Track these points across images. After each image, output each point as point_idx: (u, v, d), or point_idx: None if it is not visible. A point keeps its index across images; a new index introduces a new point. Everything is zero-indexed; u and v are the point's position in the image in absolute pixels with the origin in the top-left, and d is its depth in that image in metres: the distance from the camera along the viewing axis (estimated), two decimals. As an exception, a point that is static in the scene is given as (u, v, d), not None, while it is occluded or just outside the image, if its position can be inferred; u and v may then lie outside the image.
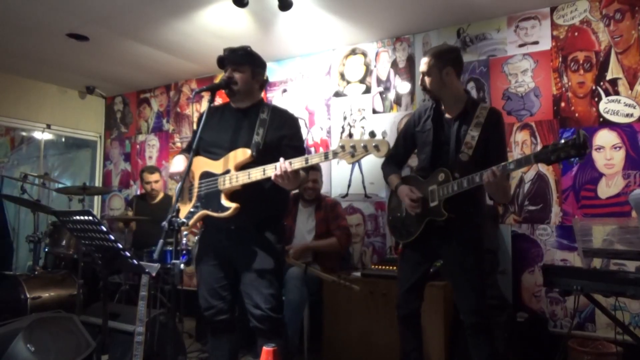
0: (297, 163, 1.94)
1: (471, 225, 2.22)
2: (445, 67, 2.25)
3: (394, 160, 2.52)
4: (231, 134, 2.20)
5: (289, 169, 1.92)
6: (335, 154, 1.85)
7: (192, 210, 2.20)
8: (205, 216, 2.16)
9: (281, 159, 1.95)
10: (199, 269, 2.29)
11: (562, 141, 1.81)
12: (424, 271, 2.35)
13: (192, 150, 2.06)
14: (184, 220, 1.93)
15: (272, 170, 1.99)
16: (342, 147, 1.82)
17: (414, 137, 2.43)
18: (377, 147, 1.77)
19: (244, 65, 2.19)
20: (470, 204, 2.21)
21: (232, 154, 2.12)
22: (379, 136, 1.79)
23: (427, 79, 2.28)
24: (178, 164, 2.26)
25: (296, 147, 2.20)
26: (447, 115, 2.32)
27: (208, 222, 2.25)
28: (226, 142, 2.18)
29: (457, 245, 2.21)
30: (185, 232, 3.44)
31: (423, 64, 2.29)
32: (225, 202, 2.09)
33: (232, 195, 2.11)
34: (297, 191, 3.59)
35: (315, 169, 3.48)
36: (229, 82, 2.17)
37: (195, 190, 2.22)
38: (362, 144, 1.79)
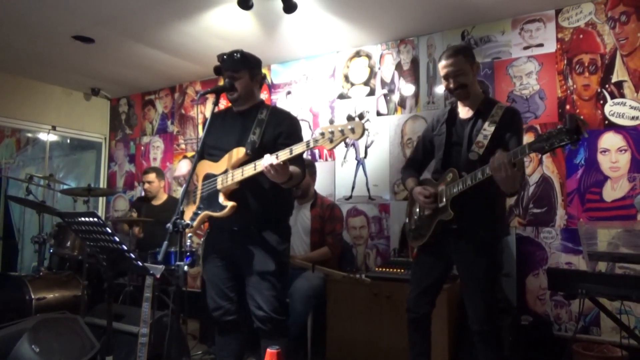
0: (282, 154, 1.94)
1: (484, 229, 2.17)
2: (474, 63, 2.26)
3: (413, 165, 2.53)
4: (229, 136, 2.23)
5: (274, 162, 1.92)
6: (315, 141, 1.87)
7: (196, 212, 2.23)
8: (207, 217, 2.19)
9: (267, 154, 1.96)
10: (205, 270, 2.31)
11: (557, 127, 1.79)
12: (437, 276, 2.32)
13: (196, 153, 2.08)
14: (189, 222, 1.94)
15: (261, 165, 1.99)
16: (322, 134, 1.84)
17: (432, 142, 2.42)
18: (352, 130, 1.77)
19: (241, 70, 2.21)
20: (483, 206, 2.16)
21: (229, 154, 2.16)
22: (356, 119, 1.79)
23: (460, 78, 2.20)
24: (183, 167, 2.30)
25: (290, 145, 2.19)
26: (461, 117, 2.31)
27: (213, 224, 2.28)
28: (226, 144, 2.21)
29: (468, 248, 2.18)
30: (189, 234, 3.44)
31: (452, 64, 2.19)
32: (223, 201, 2.12)
33: (231, 194, 2.14)
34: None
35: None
36: (232, 84, 2.20)
37: (199, 192, 2.25)
38: (339, 129, 1.80)
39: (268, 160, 1.93)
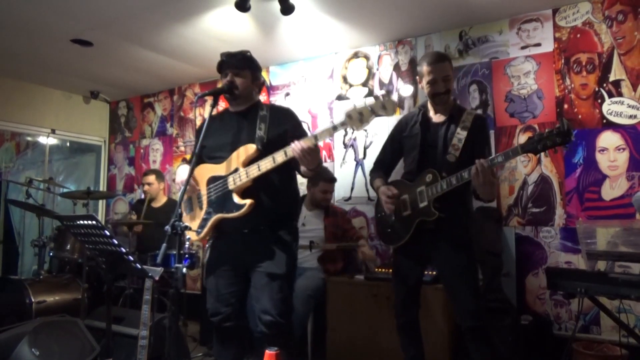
0: (308, 141, 1.94)
1: (460, 227, 2.23)
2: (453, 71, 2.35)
3: (381, 166, 2.55)
4: (232, 136, 2.21)
5: (305, 147, 1.92)
6: (343, 124, 1.86)
7: (205, 217, 2.19)
8: (220, 220, 2.15)
9: (293, 142, 1.96)
10: (209, 274, 2.28)
11: (547, 130, 1.84)
12: (417, 277, 2.35)
13: (194, 156, 2.06)
14: (187, 224, 1.93)
15: (281, 156, 1.99)
16: (349, 116, 1.82)
17: (401, 143, 2.46)
18: (383, 106, 1.75)
19: (245, 69, 2.22)
20: (459, 206, 2.23)
21: (236, 153, 2.12)
22: (385, 96, 1.77)
23: (448, 84, 2.28)
24: (183, 173, 2.28)
25: (301, 137, 2.19)
26: (434, 120, 2.35)
27: (221, 228, 2.22)
28: (228, 144, 2.19)
29: (447, 247, 2.22)
30: (188, 236, 3.45)
31: (442, 69, 2.26)
32: (238, 200, 2.08)
33: (244, 192, 2.10)
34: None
35: (332, 181, 3.65)
36: (231, 87, 2.19)
37: (205, 197, 2.21)
38: (368, 108, 1.78)
39: (300, 145, 1.92)
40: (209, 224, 2.16)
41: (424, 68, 2.29)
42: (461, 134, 2.22)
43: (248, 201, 2.05)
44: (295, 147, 1.94)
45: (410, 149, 2.38)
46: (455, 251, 2.20)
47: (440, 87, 2.26)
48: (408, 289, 2.34)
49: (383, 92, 1.81)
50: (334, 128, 1.89)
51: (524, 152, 1.93)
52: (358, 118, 1.80)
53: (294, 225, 2.30)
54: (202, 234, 2.19)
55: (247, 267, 2.18)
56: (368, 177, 2.62)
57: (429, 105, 2.39)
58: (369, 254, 3.34)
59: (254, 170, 2.05)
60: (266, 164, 2.03)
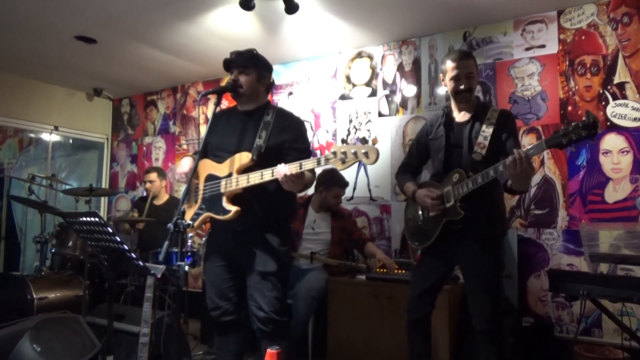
0: (293, 167, 1.95)
1: (487, 226, 2.19)
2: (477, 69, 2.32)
3: (408, 169, 2.54)
4: (236, 137, 2.21)
5: (287, 173, 1.94)
6: (327, 160, 1.86)
7: (197, 212, 2.23)
8: (209, 218, 2.19)
9: (279, 165, 1.97)
10: (206, 269, 2.32)
11: (573, 124, 1.80)
12: (438, 277, 2.33)
13: (198, 152, 2.10)
14: (190, 222, 1.94)
15: (269, 174, 2.01)
16: (334, 153, 1.83)
17: (427, 145, 2.44)
18: (366, 154, 1.77)
19: (250, 68, 2.21)
20: (487, 205, 2.18)
21: (236, 157, 2.14)
22: (370, 143, 1.80)
23: (472, 81, 2.26)
24: (185, 164, 2.30)
25: (300, 149, 2.19)
26: (457, 120, 2.33)
27: (215, 224, 2.28)
28: (231, 145, 2.20)
29: (473, 246, 2.19)
30: (190, 234, 3.45)
31: (466, 65, 2.24)
32: (226, 205, 2.11)
33: (234, 198, 2.13)
34: (302, 194, 3.61)
35: (346, 186, 3.58)
36: (234, 85, 2.19)
37: (201, 192, 2.25)
38: (352, 151, 1.79)
39: (283, 170, 1.94)
40: (200, 219, 2.21)
41: (447, 65, 2.27)
42: (487, 132, 2.19)
43: (234, 208, 2.08)
44: (279, 171, 1.96)
45: (436, 151, 2.36)
46: (480, 251, 2.17)
47: (463, 84, 2.23)
48: (425, 287, 2.32)
49: (370, 143, 1.82)
50: (318, 162, 1.91)
51: (548, 147, 1.88)
52: (341, 158, 1.81)
53: (285, 228, 2.31)
54: (193, 228, 2.23)
55: (240, 264, 2.21)
56: (395, 181, 2.58)
57: (453, 105, 2.36)
58: (388, 262, 3.25)
59: (244, 181, 2.07)
60: (254, 178, 2.05)
